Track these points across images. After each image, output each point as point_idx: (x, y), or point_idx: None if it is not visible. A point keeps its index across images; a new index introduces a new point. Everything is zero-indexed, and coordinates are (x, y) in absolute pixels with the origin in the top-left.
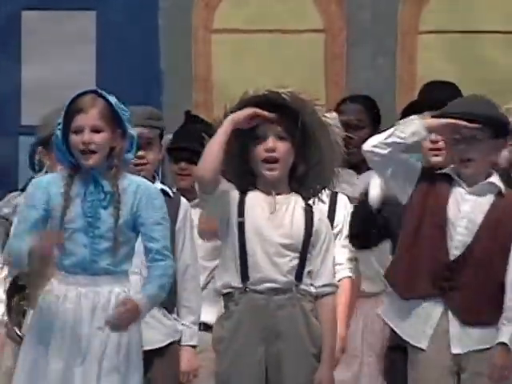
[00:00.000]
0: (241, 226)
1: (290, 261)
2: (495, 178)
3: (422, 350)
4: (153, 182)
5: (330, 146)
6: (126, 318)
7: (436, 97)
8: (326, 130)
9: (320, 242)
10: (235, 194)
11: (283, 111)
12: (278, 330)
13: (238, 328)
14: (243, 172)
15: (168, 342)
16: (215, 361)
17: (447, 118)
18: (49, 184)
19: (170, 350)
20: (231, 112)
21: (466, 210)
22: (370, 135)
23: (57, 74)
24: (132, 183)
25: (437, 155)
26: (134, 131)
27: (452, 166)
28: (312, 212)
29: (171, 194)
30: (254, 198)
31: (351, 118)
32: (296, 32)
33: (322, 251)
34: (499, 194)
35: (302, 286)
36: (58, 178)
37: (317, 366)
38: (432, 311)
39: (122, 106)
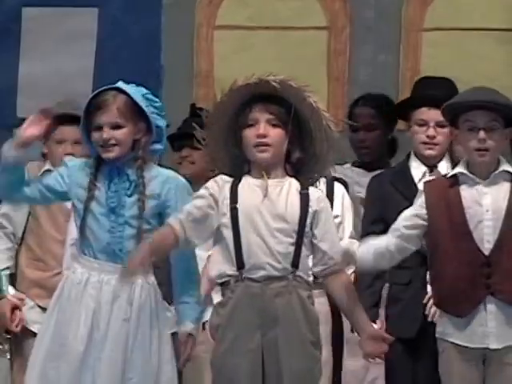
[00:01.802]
0: (234, 213)
1: (286, 247)
2: (505, 164)
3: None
4: None
5: (324, 134)
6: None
7: (430, 93)
8: (319, 116)
9: (322, 221)
10: (226, 182)
11: (275, 99)
12: (275, 316)
13: (234, 315)
14: (236, 159)
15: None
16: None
17: (463, 107)
18: (83, 168)
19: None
20: (223, 100)
21: (488, 203)
22: (383, 135)
23: (55, 70)
24: (161, 174)
25: (431, 148)
26: (162, 122)
27: (455, 163)
28: (308, 194)
29: None
30: (247, 184)
31: (364, 123)
32: (299, 29)
33: (327, 229)
34: None
35: (299, 273)
36: (87, 164)
37: (314, 352)
38: (482, 311)
39: (150, 96)
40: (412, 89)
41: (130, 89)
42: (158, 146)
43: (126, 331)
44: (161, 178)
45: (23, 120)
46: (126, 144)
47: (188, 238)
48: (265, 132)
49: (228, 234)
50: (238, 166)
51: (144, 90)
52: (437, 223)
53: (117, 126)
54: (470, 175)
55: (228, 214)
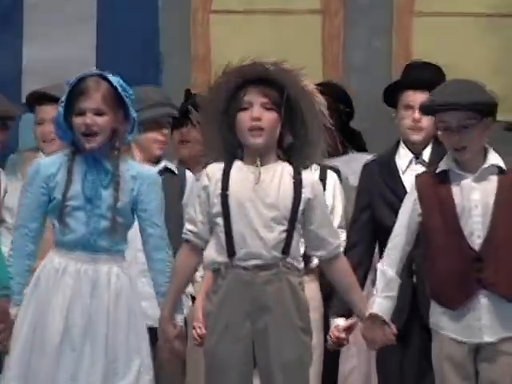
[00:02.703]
0: (224, 200)
1: (278, 235)
2: (493, 157)
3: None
4: (159, 161)
5: (316, 118)
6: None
7: (418, 77)
8: (311, 100)
9: (317, 207)
10: (217, 170)
11: (269, 83)
12: (265, 304)
13: (225, 302)
14: (229, 144)
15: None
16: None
17: (434, 109)
18: (48, 166)
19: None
20: (217, 84)
21: (477, 198)
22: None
23: (57, 54)
24: (132, 168)
25: (417, 134)
26: (134, 113)
27: (445, 160)
28: (301, 180)
29: (176, 170)
30: (238, 170)
31: None
32: (294, 13)
33: (324, 215)
34: (501, 171)
35: (289, 260)
36: (57, 158)
37: (304, 339)
38: (475, 304)
39: (126, 86)
40: (402, 73)
41: (110, 76)
42: (129, 137)
43: (106, 319)
44: (132, 172)
45: (28, 106)
46: (107, 132)
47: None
48: (259, 115)
49: (219, 221)
50: (231, 151)
51: (120, 79)
52: (430, 219)
53: (99, 113)
54: (458, 171)
55: (219, 202)
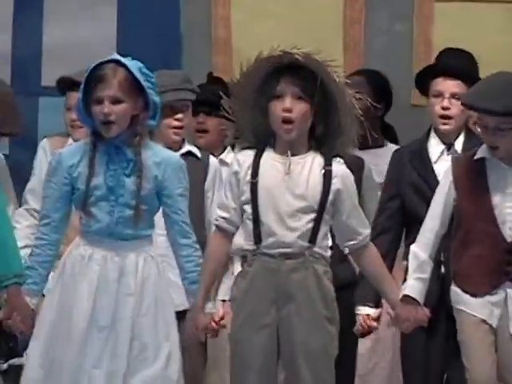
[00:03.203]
0: (253, 188)
1: (305, 224)
2: None
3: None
4: (181, 146)
5: (348, 108)
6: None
7: (451, 64)
8: (343, 91)
9: (347, 198)
10: (247, 156)
11: (301, 72)
12: (290, 292)
13: (250, 289)
14: (261, 130)
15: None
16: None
17: (472, 109)
18: (69, 156)
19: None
20: (249, 70)
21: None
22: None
23: (78, 35)
24: (156, 154)
25: (446, 123)
26: (157, 98)
27: (483, 148)
28: (331, 171)
29: (199, 154)
30: (269, 159)
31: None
32: None
33: (353, 206)
34: None
35: (316, 249)
36: (78, 148)
37: (329, 328)
38: (497, 295)
39: (146, 71)
40: (436, 58)
41: (127, 62)
42: (151, 122)
43: (132, 306)
44: (156, 159)
45: (47, 88)
46: (125, 120)
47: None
48: (291, 106)
49: (247, 208)
50: (263, 138)
51: (140, 64)
52: (464, 204)
53: (117, 101)
54: (496, 160)
55: (248, 190)
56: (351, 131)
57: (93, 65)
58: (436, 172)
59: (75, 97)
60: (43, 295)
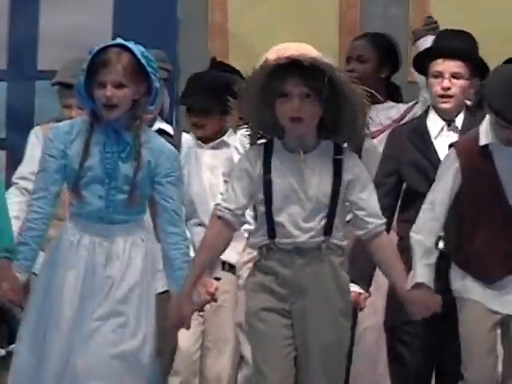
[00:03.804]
0: (267, 186)
1: (319, 222)
2: None
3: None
4: (152, 124)
5: (360, 100)
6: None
7: (451, 45)
8: (353, 86)
9: (358, 188)
10: (258, 155)
11: (308, 69)
12: (304, 287)
13: (265, 283)
14: (272, 123)
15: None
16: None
17: (489, 108)
18: (66, 131)
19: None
20: (253, 73)
21: None
22: (374, 69)
23: (74, 20)
24: (151, 140)
25: (446, 102)
26: (157, 83)
27: (488, 134)
28: (341, 161)
29: (172, 132)
30: (281, 158)
31: (354, 54)
32: None
33: (365, 195)
34: None
35: (332, 240)
36: (75, 124)
37: (343, 322)
38: (508, 283)
39: (148, 55)
40: (434, 40)
41: (132, 47)
42: (150, 108)
43: (117, 288)
44: (151, 145)
45: (43, 72)
46: (127, 104)
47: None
48: (298, 107)
49: (262, 208)
50: (271, 130)
51: (142, 48)
52: (471, 190)
53: (120, 85)
54: (503, 147)
55: (262, 190)
56: (363, 123)
57: (97, 48)
58: (436, 148)
59: (73, 95)
60: (34, 274)
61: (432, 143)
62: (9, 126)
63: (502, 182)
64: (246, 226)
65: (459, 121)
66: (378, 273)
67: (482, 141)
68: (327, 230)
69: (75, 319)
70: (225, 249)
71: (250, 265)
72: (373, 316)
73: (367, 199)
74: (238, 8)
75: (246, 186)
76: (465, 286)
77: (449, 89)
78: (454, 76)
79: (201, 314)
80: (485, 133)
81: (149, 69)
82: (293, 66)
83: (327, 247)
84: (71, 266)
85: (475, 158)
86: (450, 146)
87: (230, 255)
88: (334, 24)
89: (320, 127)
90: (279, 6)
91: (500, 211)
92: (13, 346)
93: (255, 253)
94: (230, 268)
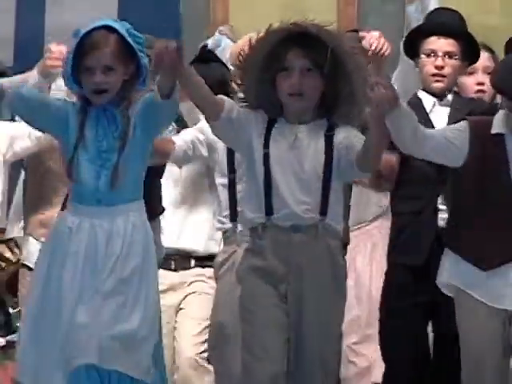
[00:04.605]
0: (266, 158)
1: (315, 196)
2: None
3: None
4: None
5: (362, 79)
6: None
7: (444, 22)
8: (356, 60)
9: (344, 143)
10: (262, 122)
11: (311, 42)
12: (301, 267)
13: (260, 266)
14: (271, 100)
15: None
16: (229, 286)
17: (504, 93)
18: (69, 110)
19: None
20: (258, 42)
21: None
22: None
23: (79, 17)
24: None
25: (439, 81)
26: (145, 59)
27: (501, 124)
28: (332, 136)
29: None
30: (279, 129)
31: None
32: None
33: (353, 140)
34: None
35: (328, 221)
36: (67, 104)
37: (337, 304)
38: (509, 272)
39: (135, 33)
40: (425, 18)
41: (118, 26)
42: (140, 86)
43: (120, 268)
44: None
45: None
46: (117, 87)
47: (226, 117)
48: (300, 81)
49: (259, 180)
50: (273, 107)
51: (127, 25)
52: (474, 167)
53: (109, 69)
54: None
55: (261, 160)
56: (364, 102)
57: (83, 31)
58: (432, 120)
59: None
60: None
61: (429, 117)
62: None
63: (510, 168)
64: (219, 225)
65: (450, 96)
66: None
67: (494, 129)
68: (323, 207)
69: (77, 300)
70: (200, 96)
71: (228, 264)
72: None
73: (354, 142)
74: (240, 4)
75: (244, 118)
76: (467, 276)
77: (442, 68)
78: (447, 55)
79: None
80: (499, 123)
81: (136, 46)
82: (295, 40)
83: (323, 227)
84: (72, 252)
85: (487, 140)
86: (455, 122)
87: (209, 247)
88: (332, 20)
89: (319, 103)
90: (279, 2)
91: (505, 196)
92: (12, 336)
93: (231, 250)
94: (209, 258)
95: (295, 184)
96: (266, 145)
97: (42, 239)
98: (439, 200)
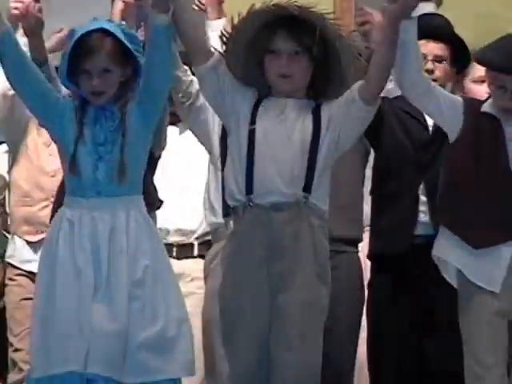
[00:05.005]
0: (251, 135)
1: (299, 171)
2: None
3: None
4: None
5: (353, 60)
6: None
7: (434, 25)
8: (345, 41)
9: (335, 105)
10: (251, 98)
11: (298, 24)
12: (283, 246)
13: (241, 249)
14: (258, 81)
15: None
16: (219, 279)
17: (490, 68)
18: (66, 109)
19: None
20: (239, 26)
21: None
22: None
23: (75, 22)
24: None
25: None
26: (142, 59)
27: (490, 106)
28: (320, 110)
29: None
30: (268, 104)
31: None
32: None
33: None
34: None
35: (311, 200)
36: (67, 103)
37: (317, 285)
38: (502, 253)
39: (131, 33)
40: None
41: (114, 28)
42: (135, 85)
43: (125, 264)
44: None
45: None
46: (114, 88)
47: (212, 65)
48: (288, 64)
49: (242, 157)
50: (261, 87)
51: (123, 25)
52: (471, 147)
53: (105, 71)
54: (504, 120)
55: (245, 137)
56: (352, 83)
57: (78, 34)
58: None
59: None
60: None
61: (426, 121)
62: None
63: (507, 147)
64: (213, 220)
65: None
66: None
67: (485, 108)
68: (307, 184)
69: (83, 298)
70: (185, 24)
71: (217, 260)
72: None
73: (343, 97)
74: (236, 7)
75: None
76: (457, 258)
77: (432, 72)
78: (437, 59)
79: None
80: (489, 103)
81: (132, 46)
82: (282, 21)
83: (306, 206)
84: (76, 245)
85: (479, 117)
86: None
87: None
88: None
89: (309, 86)
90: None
91: (497, 173)
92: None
93: (220, 246)
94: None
95: (281, 157)
96: (253, 121)
97: (26, 237)
98: (420, 191)
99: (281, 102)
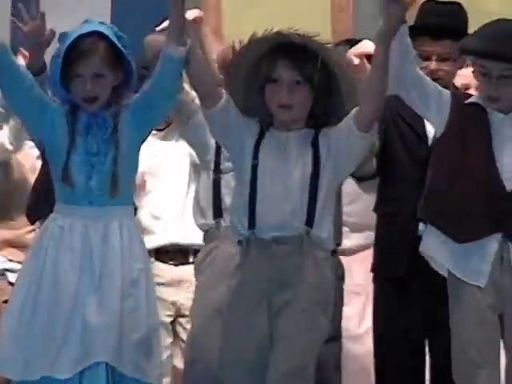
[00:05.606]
0: (254, 170)
1: (301, 207)
2: None
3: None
4: None
5: (352, 88)
6: None
7: (440, 21)
8: (345, 71)
9: (333, 135)
10: (255, 131)
11: (300, 52)
12: (284, 280)
13: (243, 285)
14: (260, 108)
15: None
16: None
17: (475, 54)
18: (57, 114)
19: None
20: (241, 53)
21: (510, 135)
22: None
23: (73, 20)
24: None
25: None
26: (134, 65)
27: (478, 97)
28: (318, 140)
29: None
30: (269, 139)
31: None
32: None
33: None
34: None
35: (314, 232)
36: (57, 109)
37: (320, 319)
38: (488, 247)
39: (120, 33)
40: (416, 16)
41: (107, 31)
42: (129, 90)
43: (119, 266)
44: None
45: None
46: (107, 93)
47: (223, 106)
48: (288, 96)
49: (246, 191)
50: (262, 114)
51: (115, 28)
52: (457, 139)
53: (98, 76)
54: (490, 110)
55: (249, 171)
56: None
57: (72, 37)
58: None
59: None
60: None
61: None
62: None
63: (492, 140)
64: (203, 221)
65: None
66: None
67: (472, 99)
68: (310, 217)
69: (75, 300)
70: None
71: (208, 259)
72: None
73: (343, 122)
74: (232, 11)
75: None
76: (438, 252)
77: (437, 72)
78: (442, 58)
79: None
80: (476, 95)
81: (125, 50)
82: (283, 49)
83: (309, 239)
84: (66, 248)
85: (466, 109)
86: None
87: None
88: (326, 28)
89: (309, 115)
90: (272, 10)
91: (487, 168)
92: None
93: (211, 247)
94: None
95: (282, 193)
96: (256, 156)
97: (10, 257)
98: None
99: (282, 137)
